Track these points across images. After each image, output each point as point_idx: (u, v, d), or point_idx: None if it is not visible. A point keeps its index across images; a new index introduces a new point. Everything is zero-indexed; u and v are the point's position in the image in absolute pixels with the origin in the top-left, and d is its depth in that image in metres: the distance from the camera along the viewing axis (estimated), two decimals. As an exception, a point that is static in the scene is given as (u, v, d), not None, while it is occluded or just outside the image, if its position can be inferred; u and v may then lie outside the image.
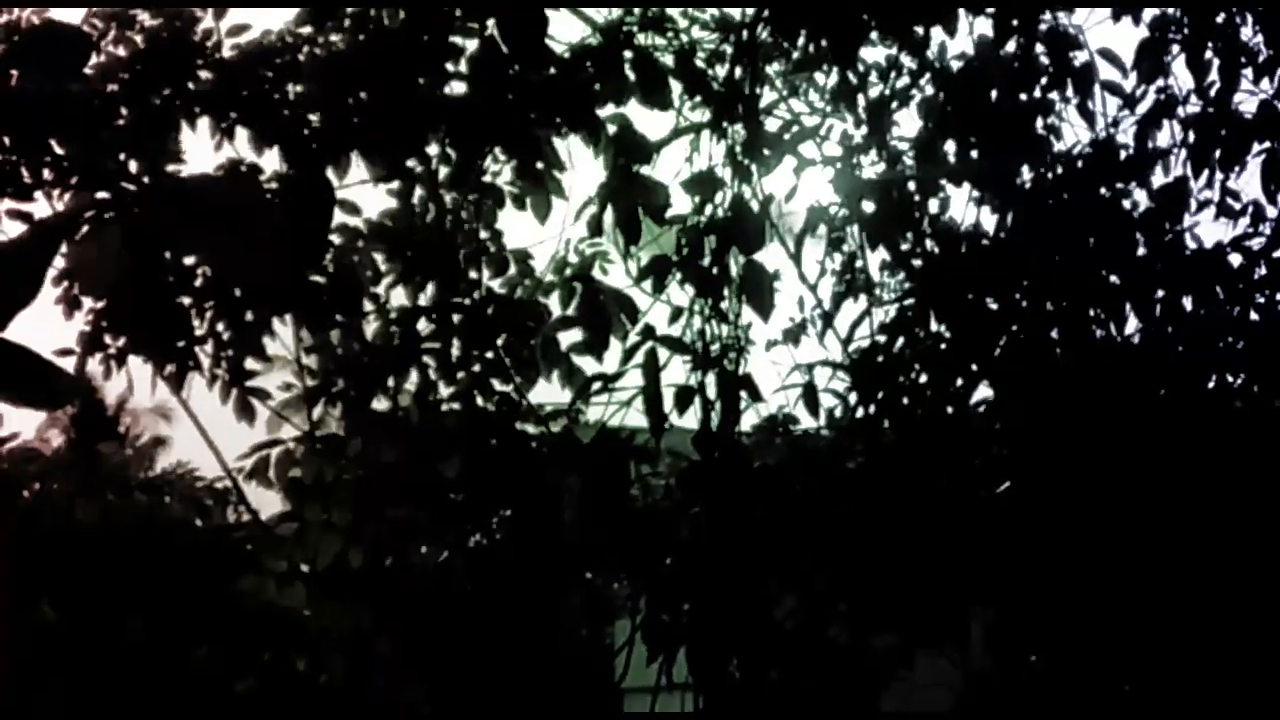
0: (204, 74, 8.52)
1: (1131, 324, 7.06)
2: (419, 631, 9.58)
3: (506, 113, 8.67)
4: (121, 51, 8.38)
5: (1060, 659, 6.96)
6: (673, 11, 8.29)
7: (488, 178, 9.56)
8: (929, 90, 7.48)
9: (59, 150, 6.53)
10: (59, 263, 5.61)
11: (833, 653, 7.39)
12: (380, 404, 9.83)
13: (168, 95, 8.45)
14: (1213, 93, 7.04)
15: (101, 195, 5.51)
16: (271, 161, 8.76)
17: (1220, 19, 7.05)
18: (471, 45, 8.33)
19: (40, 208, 9.26)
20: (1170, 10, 7.15)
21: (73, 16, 8.04)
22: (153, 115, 8.53)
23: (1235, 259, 6.96)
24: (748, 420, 7.86)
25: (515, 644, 9.37)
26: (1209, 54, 7.05)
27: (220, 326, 9.47)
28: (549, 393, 9.60)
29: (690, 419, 7.78)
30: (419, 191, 9.61)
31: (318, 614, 10.03)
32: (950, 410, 7.36)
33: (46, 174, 8.87)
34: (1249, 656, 6.70)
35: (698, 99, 8.25)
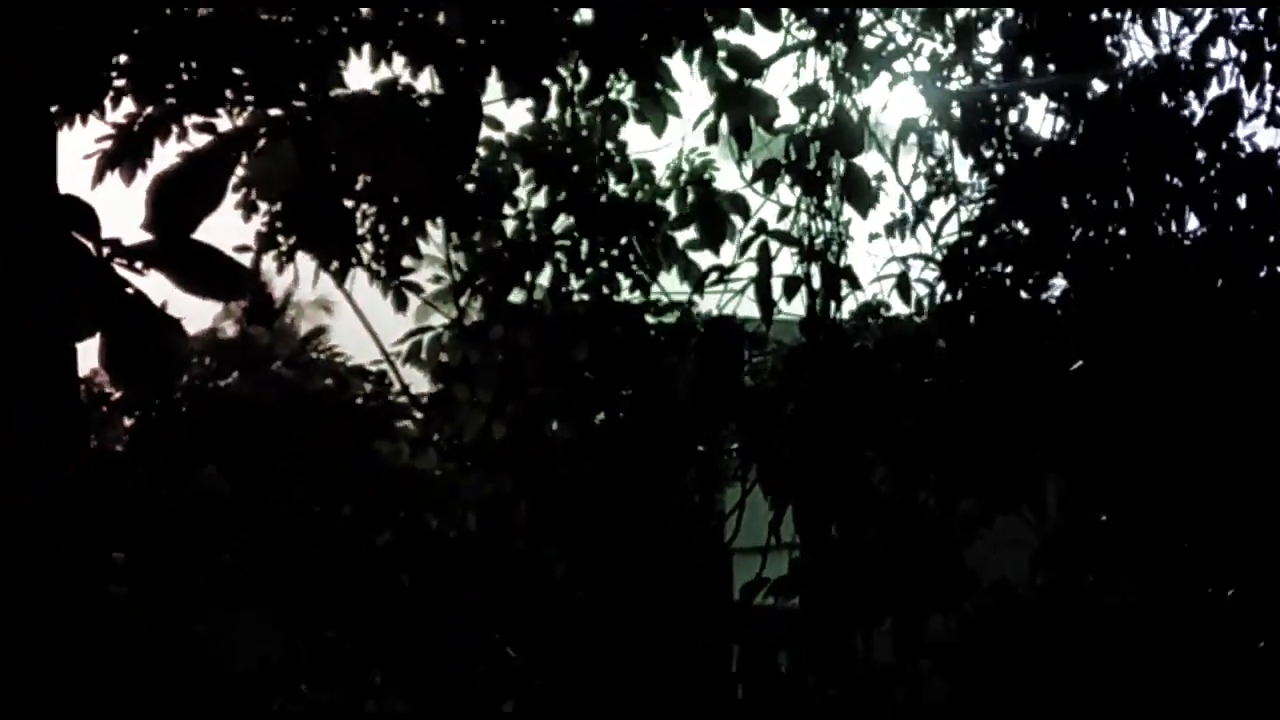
0: (364, 10, 8.70)
1: (1191, 222, 7.06)
2: (553, 497, 9.76)
3: (630, 37, 8.80)
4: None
5: (1124, 519, 6.99)
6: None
7: (612, 95, 9.66)
8: (1009, 12, 7.47)
9: (238, 72, 6.64)
10: (239, 172, 5.74)
11: (922, 515, 7.52)
12: (518, 296, 9.97)
13: (334, 24, 8.66)
14: (1262, 13, 7.03)
15: (276, 112, 5.64)
16: (424, 83, 9.02)
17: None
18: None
19: (223, 123, 9.52)
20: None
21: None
22: (320, 42, 8.75)
23: None
24: (847, 307, 7.99)
25: (637, 509, 9.53)
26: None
27: (379, 228, 9.72)
28: (668, 285, 9.76)
29: (796, 306, 7.97)
30: (553, 108, 9.71)
31: (462, 480, 10.19)
32: (1027, 298, 7.39)
33: (228, 93, 9.10)
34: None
35: (804, 20, 8.36)
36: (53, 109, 4.28)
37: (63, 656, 4.01)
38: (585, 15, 8.91)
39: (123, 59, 5.60)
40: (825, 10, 8.05)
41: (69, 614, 4.01)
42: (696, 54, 8.80)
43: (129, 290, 5.03)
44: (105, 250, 5.02)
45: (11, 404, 3.82)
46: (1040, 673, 7.02)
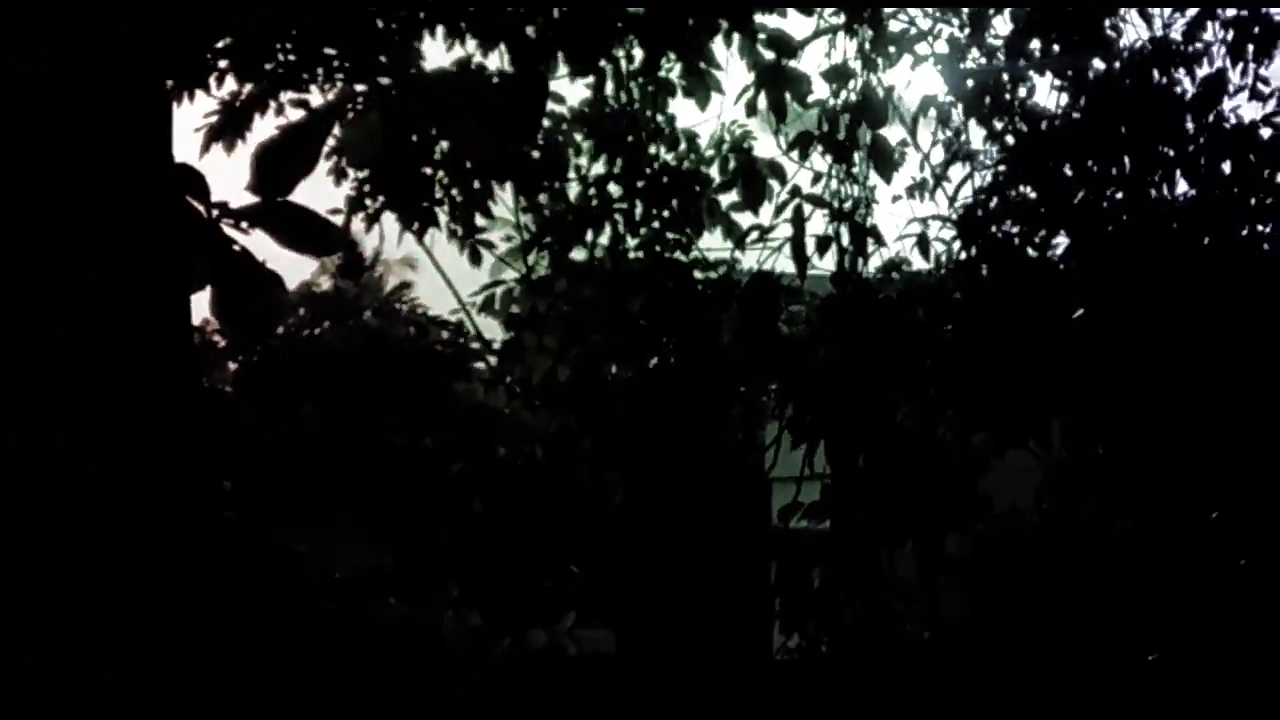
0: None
1: (1180, 186, 7.08)
2: (612, 432, 9.85)
3: (678, 22, 8.86)
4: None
5: (1119, 453, 7.01)
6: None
7: (662, 74, 9.71)
8: None
9: (329, 52, 6.69)
10: (330, 141, 5.80)
11: (941, 447, 7.60)
12: (580, 254, 10.04)
13: (413, 8, 8.74)
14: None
15: (362, 88, 5.70)
16: (494, 61, 9.10)
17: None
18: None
19: (315, 99, 9.62)
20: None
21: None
22: (400, 24, 8.84)
23: (1265, 132, 6.97)
24: (873, 263, 8.06)
25: (686, 443, 9.62)
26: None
27: (455, 191, 9.81)
28: (712, 243, 9.82)
29: (827, 262, 8.06)
30: (610, 85, 9.77)
31: (530, 418, 10.27)
32: (1034, 255, 7.42)
33: (319, 72, 9.20)
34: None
35: (834, 7, 8.40)
36: (168, 87, 4.36)
37: (193, 567, 4.13)
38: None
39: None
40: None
41: (193, 532, 4.12)
42: (737, 37, 8.87)
43: (235, 248, 5.13)
44: (214, 212, 5.12)
45: (136, 349, 3.93)
46: (1045, 587, 7.07)
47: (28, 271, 3.84)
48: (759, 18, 8.64)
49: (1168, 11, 7.24)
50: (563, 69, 9.19)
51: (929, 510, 7.52)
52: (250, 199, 5.30)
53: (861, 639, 7.57)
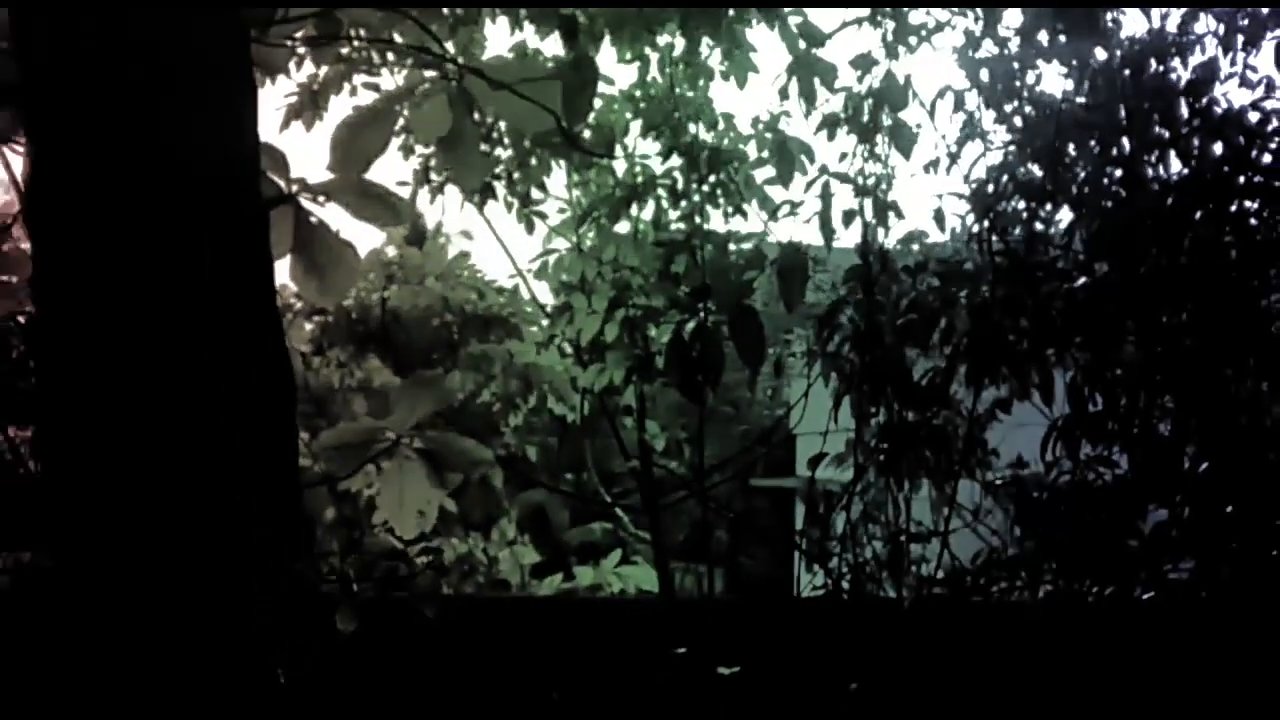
0: (500, -12, 8.82)
1: (1174, 165, 7.08)
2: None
3: (716, 10, 8.90)
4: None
5: (1119, 405, 7.02)
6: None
7: (701, 58, 9.75)
8: None
9: (399, 39, 6.74)
10: (399, 121, 5.85)
11: (953, 402, 7.64)
12: (625, 226, 10.11)
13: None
14: None
15: (431, 74, 5.74)
16: (550, 47, 9.16)
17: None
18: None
19: (386, 81, 9.69)
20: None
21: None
22: (465, 14, 8.90)
23: (1253, 116, 6.95)
24: (893, 235, 8.09)
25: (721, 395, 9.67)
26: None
27: (513, 167, 9.89)
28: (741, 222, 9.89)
29: (852, 234, 8.09)
30: (654, 69, 9.81)
31: (579, 373, 10.33)
32: (1040, 228, 7.44)
33: (390, 56, 9.26)
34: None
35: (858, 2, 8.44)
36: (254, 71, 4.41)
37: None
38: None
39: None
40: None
41: (282, 473, 4.18)
42: (776, 24, 8.92)
43: (313, 219, 5.20)
44: (294, 187, 5.19)
45: (230, 310, 3.99)
46: (1046, 524, 7.11)
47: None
48: (791, 16, 8.71)
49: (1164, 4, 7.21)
50: (612, 54, 9.27)
51: (942, 458, 7.57)
52: (327, 175, 5.39)
53: (879, 576, 7.63)
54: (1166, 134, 7.07)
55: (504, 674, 7.73)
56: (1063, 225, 7.50)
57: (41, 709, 3.81)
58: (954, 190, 7.64)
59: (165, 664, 3.73)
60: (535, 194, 10.37)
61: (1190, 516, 6.77)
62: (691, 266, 9.03)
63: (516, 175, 10.15)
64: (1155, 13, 7.18)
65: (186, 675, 3.74)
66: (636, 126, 10.07)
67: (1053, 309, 7.10)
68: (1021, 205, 7.44)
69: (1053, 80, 7.39)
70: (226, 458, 3.86)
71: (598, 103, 9.64)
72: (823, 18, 8.86)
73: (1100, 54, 7.18)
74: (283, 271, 4.98)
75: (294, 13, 5.31)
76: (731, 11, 9.09)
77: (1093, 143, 7.20)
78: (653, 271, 9.49)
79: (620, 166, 10.25)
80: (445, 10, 8.76)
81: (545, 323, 12.41)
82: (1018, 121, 7.43)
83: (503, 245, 27.61)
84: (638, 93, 9.93)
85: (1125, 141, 7.11)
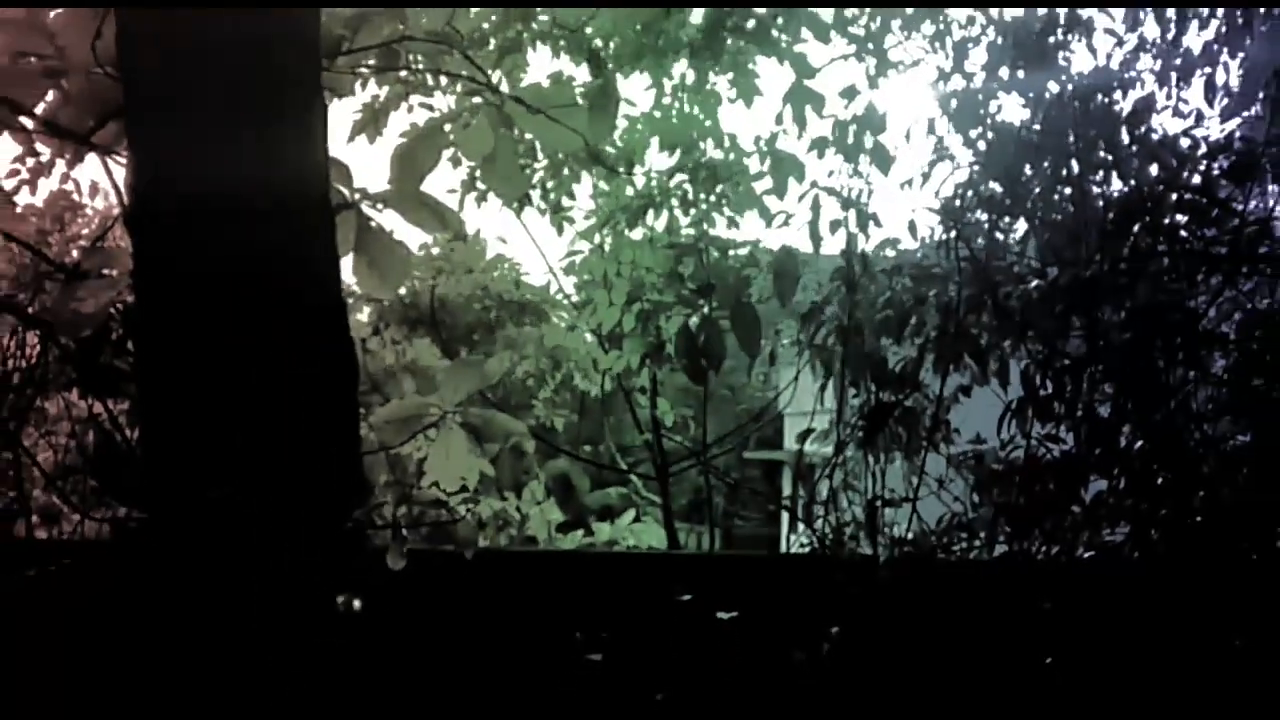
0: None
1: (1116, 183, 7.09)
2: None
3: (723, 45, 8.93)
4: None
5: (1065, 390, 7.02)
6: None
7: (709, 85, 9.78)
8: (992, 34, 7.52)
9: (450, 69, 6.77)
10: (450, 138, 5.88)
11: (923, 385, 7.63)
12: (640, 232, 10.15)
13: (519, 30, 8.84)
14: (1170, 36, 7.07)
15: (477, 100, 5.79)
16: (581, 74, 9.19)
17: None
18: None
19: (438, 101, 9.72)
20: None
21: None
22: (509, 44, 8.93)
23: (1185, 142, 6.97)
24: (872, 242, 8.11)
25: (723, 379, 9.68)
26: (1169, 12, 7.09)
27: (547, 179, 9.93)
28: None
29: (838, 241, 8.12)
30: (669, 93, 9.84)
31: (601, 356, 10.36)
32: (999, 235, 7.46)
33: (443, 81, 9.28)
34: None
35: (846, 40, 8.47)
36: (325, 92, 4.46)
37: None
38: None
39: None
40: (859, 33, 8.18)
41: (344, 443, 4.22)
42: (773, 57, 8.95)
43: (372, 223, 5.26)
44: (356, 195, 5.25)
45: (303, 300, 4.04)
46: (1004, 492, 7.12)
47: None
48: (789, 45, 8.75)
49: (1110, 43, 7.26)
50: (636, 81, 9.29)
51: (911, 434, 7.58)
52: (383, 185, 5.44)
53: (857, 536, 7.65)
54: (1109, 157, 7.10)
55: (533, 615, 7.79)
56: (1019, 235, 7.54)
57: (140, 645, 3.86)
58: (926, 204, 7.70)
59: (245, 601, 3.79)
60: (565, 201, 10.41)
61: (1126, 487, 6.80)
62: (698, 267, 9.07)
63: (550, 185, 10.20)
64: (1101, 51, 7.25)
65: (263, 611, 3.80)
66: (654, 144, 10.09)
67: (1009, 307, 7.12)
68: (984, 217, 7.47)
69: (1012, 110, 7.44)
70: (297, 430, 3.91)
71: (621, 122, 9.67)
72: (814, 52, 8.95)
73: (1053, 87, 7.20)
74: (345, 267, 5.04)
75: (357, 44, 5.37)
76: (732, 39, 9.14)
77: (1045, 164, 7.24)
78: (664, 271, 9.54)
79: (639, 179, 10.28)
80: (492, 43, 8.82)
81: (573, 312, 12.49)
82: (981, 145, 7.45)
83: (536, 245, 27.62)
84: (657, 114, 9.96)
85: (1074, 163, 7.14)
